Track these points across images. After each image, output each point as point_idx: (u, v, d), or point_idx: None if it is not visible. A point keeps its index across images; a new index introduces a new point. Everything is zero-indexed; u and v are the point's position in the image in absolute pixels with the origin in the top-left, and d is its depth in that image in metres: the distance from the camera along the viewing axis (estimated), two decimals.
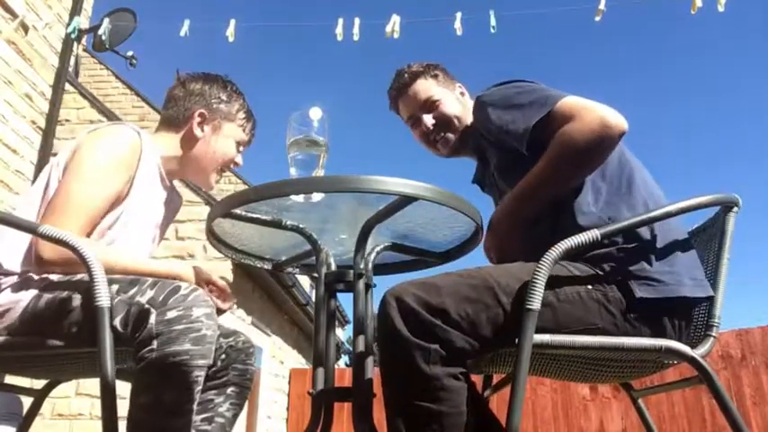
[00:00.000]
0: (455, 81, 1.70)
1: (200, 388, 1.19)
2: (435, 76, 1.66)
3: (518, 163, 1.35)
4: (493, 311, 1.12)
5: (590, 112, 1.23)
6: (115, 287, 1.21)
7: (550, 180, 1.29)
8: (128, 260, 1.37)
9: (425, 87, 1.64)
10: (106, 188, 1.40)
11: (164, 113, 1.67)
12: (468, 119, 1.62)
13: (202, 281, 1.46)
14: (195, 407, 1.19)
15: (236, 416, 1.54)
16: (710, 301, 1.22)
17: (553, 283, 1.14)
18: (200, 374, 1.18)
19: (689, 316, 1.21)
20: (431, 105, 1.63)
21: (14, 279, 1.30)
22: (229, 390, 1.54)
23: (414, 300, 1.11)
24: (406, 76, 1.67)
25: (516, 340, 1.06)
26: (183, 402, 1.15)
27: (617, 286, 1.17)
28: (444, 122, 1.62)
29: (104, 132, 1.45)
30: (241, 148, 1.70)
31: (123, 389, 1.21)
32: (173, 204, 1.70)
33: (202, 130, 1.62)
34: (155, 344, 1.13)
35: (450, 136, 1.63)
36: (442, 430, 1.06)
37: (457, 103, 1.65)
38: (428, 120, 1.63)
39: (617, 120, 1.21)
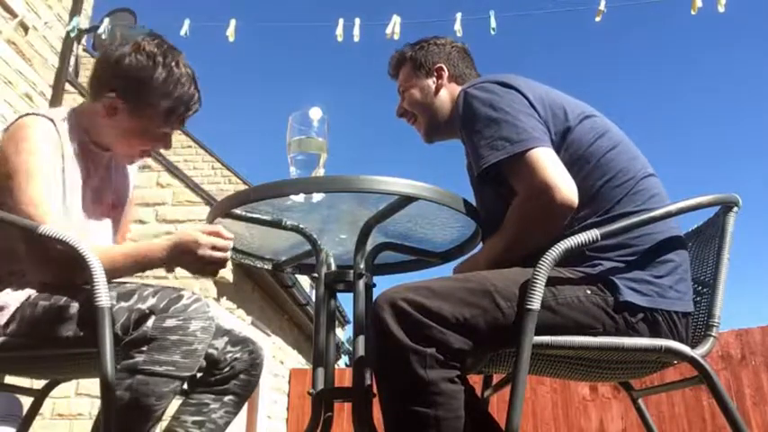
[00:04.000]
0: (435, 65, 1.60)
1: (173, 397, 1.20)
2: (412, 61, 1.62)
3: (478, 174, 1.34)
4: (491, 315, 1.11)
5: (539, 192, 1.21)
6: (115, 293, 1.21)
7: (517, 245, 1.27)
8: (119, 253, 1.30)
9: (402, 74, 1.64)
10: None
11: None
12: (444, 105, 1.57)
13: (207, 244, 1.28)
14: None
15: (228, 423, 1.52)
16: (710, 303, 1.22)
17: (552, 287, 1.13)
18: (179, 385, 1.19)
19: (675, 325, 1.19)
20: (402, 92, 1.63)
21: (12, 279, 1.29)
22: (227, 398, 1.51)
23: (408, 303, 1.09)
24: (392, 62, 1.68)
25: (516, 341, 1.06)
26: (156, 410, 1.17)
27: (608, 290, 1.16)
28: (410, 111, 1.62)
29: (19, 127, 1.33)
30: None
31: None
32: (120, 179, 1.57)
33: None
34: (146, 348, 1.14)
35: (418, 124, 1.62)
36: None
37: (423, 93, 1.59)
38: (400, 105, 1.64)
39: (563, 199, 1.20)
